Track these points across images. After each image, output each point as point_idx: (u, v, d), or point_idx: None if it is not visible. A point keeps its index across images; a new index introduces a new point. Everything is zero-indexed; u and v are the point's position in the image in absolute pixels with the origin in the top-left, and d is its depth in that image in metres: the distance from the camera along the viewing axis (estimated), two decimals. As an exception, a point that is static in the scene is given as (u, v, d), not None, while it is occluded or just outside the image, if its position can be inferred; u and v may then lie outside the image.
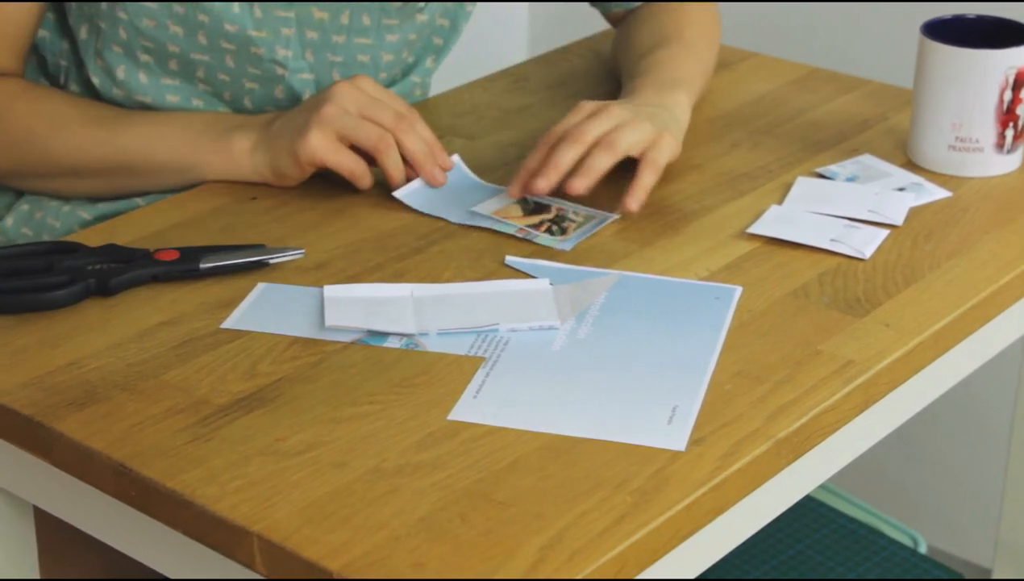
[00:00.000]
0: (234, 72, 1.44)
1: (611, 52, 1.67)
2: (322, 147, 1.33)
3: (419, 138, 1.36)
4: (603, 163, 1.33)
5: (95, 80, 1.45)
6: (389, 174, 1.36)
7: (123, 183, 1.42)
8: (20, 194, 1.49)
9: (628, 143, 1.34)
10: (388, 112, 1.35)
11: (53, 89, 1.45)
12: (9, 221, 1.46)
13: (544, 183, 1.32)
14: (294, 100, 1.46)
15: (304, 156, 1.33)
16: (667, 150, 1.36)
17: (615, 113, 1.36)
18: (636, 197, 1.33)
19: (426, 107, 1.59)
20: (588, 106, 1.38)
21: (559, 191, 1.35)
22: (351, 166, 1.35)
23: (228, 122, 1.40)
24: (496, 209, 1.35)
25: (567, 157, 1.33)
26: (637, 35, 1.59)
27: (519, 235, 1.32)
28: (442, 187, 1.38)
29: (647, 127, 1.36)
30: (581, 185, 1.32)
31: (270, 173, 1.38)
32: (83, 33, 1.44)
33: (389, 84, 1.54)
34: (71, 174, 1.42)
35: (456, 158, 1.42)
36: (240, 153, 1.38)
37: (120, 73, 1.43)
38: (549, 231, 1.33)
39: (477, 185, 1.40)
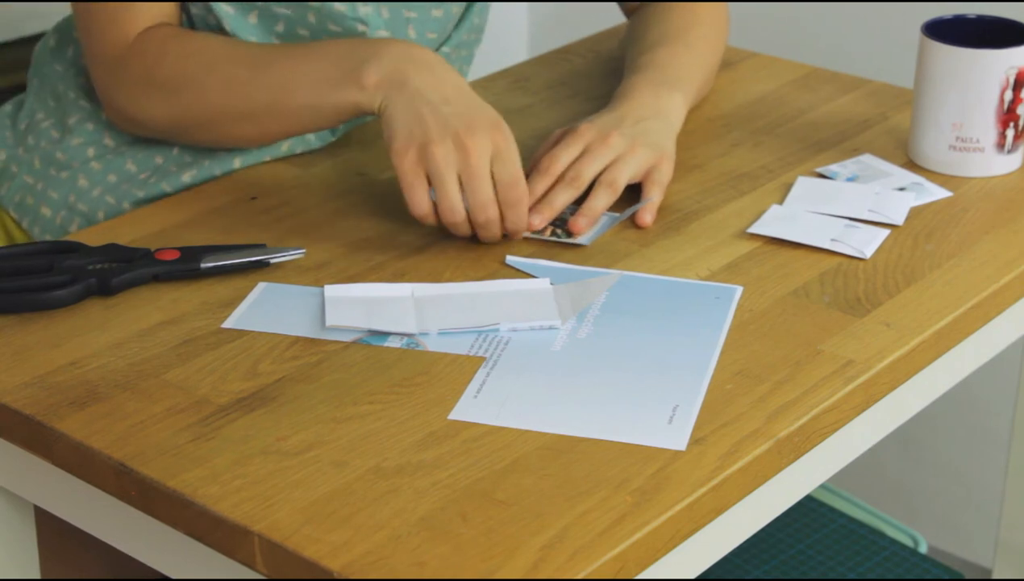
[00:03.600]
0: (314, 28, 1.43)
1: (620, 43, 1.68)
2: (402, 169, 1.29)
3: (493, 233, 1.31)
4: (605, 204, 1.36)
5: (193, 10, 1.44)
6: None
7: (270, 126, 1.40)
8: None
9: (628, 177, 1.37)
10: (482, 192, 1.28)
11: (203, 32, 1.43)
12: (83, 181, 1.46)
13: (539, 220, 1.34)
14: None
15: (390, 156, 1.30)
16: (667, 172, 1.40)
17: (613, 145, 1.38)
18: (650, 213, 1.36)
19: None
20: (587, 135, 1.39)
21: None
22: (415, 208, 1.30)
23: (359, 55, 1.35)
24: None
25: (564, 198, 1.35)
26: (643, 30, 1.60)
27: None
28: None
29: (645, 154, 1.39)
30: (584, 225, 1.34)
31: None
32: None
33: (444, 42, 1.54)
34: (223, 119, 1.40)
35: None
36: (368, 88, 1.33)
37: (210, 19, 1.43)
38: (555, 234, 1.33)
39: None
